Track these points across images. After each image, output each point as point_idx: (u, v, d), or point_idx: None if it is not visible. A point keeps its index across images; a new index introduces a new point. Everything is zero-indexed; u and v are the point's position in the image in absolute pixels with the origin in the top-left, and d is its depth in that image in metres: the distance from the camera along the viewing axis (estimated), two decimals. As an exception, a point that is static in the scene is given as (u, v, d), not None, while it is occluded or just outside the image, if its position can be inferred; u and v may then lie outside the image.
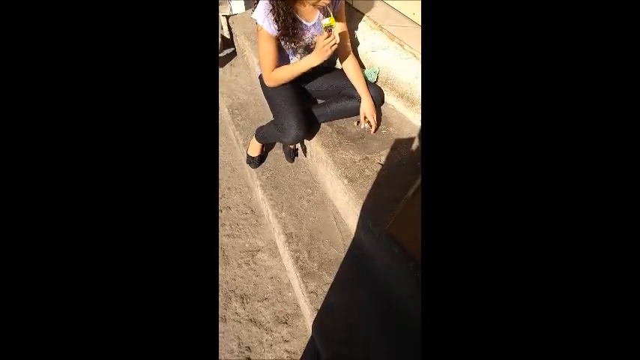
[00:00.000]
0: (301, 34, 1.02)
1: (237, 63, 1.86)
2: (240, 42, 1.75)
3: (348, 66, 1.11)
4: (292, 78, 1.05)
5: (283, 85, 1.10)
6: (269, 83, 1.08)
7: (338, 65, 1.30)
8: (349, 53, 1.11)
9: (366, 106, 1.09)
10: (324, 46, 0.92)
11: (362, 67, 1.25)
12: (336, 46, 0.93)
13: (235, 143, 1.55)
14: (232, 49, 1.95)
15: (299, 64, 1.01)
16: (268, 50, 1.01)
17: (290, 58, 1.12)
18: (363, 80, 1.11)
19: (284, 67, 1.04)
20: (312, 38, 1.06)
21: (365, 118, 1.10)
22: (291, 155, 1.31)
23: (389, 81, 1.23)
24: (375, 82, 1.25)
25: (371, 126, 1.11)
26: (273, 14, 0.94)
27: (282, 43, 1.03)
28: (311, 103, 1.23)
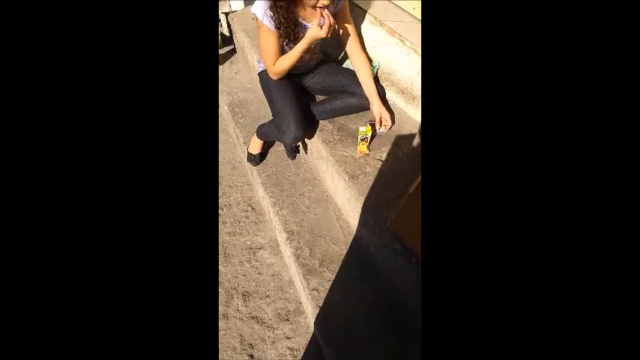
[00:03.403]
0: (303, 37, 1.00)
1: (237, 60, 1.85)
2: (240, 39, 1.74)
3: (360, 67, 1.09)
4: (294, 62, 1.03)
5: (282, 83, 1.09)
6: (274, 77, 1.07)
7: (347, 64, 1.29)
8: (360, 53, 1.09)
9: (381, 109, 1.06)
10: (321, 25, 0.91)
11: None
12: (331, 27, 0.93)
13: (236, 141, 1.54)
14: (232, 46, 1.94)
15: (296, 47, 0.99)
16: (270, 43, 0.99)
17: None
18: (373, 83, 1.08)
19: (282, 57, 1.03)
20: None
21: (380, 121, 1.06)
22: (292, 152, 1.29)
23: (390, 77, 1.22)
24: (374, 77, 1.22)
25: (386, 127, 1.08)
26: (274, 21, 0.94)
27: (284, 44, 1.02)
28: (310, 100, 1.22)
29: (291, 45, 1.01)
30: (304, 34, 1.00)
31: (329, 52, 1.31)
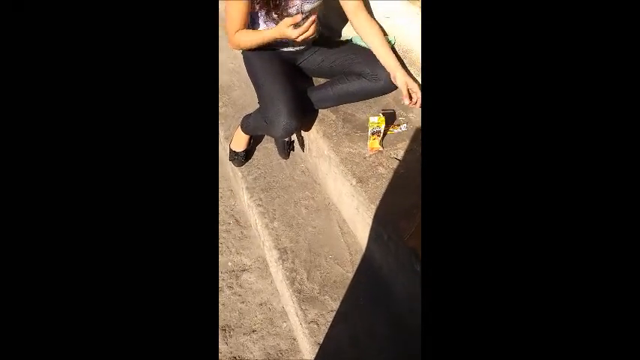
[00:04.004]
0: (286, 5, 0.94)
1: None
2: (220, 7, 1.63)
3: (373, 37, 1.00)
4: (256, 45, 0.97)
5: (271, 62, 1.01)
6: (231, 46, 1.02)
7: (345, 35, 1.20)
8: (371, 23, 1.01)
9: (407, 78, 0.96)
10: (298, 31, 0.85)
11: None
12: (309, 33, 0.86)
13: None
14: (211, 20, 1.78)
15: (269, 33, 0.92)
16: (237, 7, 0.92)
17: None
18: (390, 51, 0.99)
19: (248, 32, 0.97)
20: (300, 7, 0.97)
21: (409, 94, 0.96)
22: (286, 150, 1.19)
23: (408, 55, 1.12)
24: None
25: (412, 100, 0.98)
26: None
27: (261, 15, 0.95)
28: (308, 84, 1.14)
29: (271, 14, 0.93)
30: (286, 4, 0.93)
31: (331, 25, 1.23)
